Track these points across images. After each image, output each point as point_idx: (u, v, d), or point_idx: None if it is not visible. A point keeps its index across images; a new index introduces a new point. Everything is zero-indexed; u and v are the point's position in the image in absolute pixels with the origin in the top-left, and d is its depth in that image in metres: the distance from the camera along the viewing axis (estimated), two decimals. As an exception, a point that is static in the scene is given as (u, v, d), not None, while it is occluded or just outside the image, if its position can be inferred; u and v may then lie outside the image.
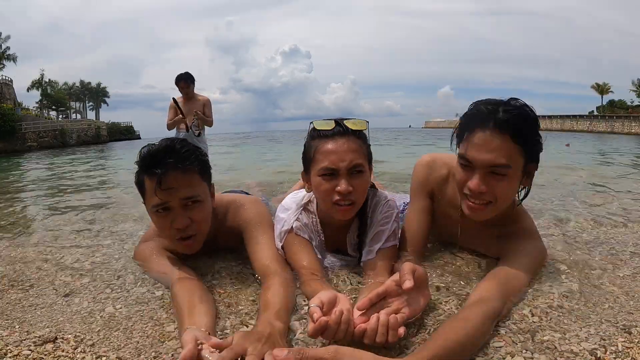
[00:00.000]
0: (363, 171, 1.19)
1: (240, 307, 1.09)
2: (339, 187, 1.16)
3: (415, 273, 0.94)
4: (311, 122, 1.24)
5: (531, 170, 1.17)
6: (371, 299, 0.91)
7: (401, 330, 0.85)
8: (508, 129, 1.06)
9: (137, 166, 1.21)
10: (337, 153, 1.16)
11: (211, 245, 1.38)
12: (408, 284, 0.90)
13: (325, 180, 1.18)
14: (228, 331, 0.97)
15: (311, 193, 1.31)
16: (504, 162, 1.08)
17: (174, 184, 1.15)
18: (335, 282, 1.25)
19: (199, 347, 0.76)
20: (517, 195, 1.23)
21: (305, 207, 1.34)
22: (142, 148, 1.22)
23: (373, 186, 1.36)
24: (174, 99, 4.51)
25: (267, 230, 1.34)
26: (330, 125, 1.20)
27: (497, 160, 1.08)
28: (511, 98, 1.12)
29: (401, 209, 1.92)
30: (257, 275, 1.25)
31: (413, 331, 0.94)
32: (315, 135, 1.22)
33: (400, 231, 1.38)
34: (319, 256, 1.31)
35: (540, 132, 1.13)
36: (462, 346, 0.82)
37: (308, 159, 1.23)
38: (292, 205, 1.34)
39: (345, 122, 1.20)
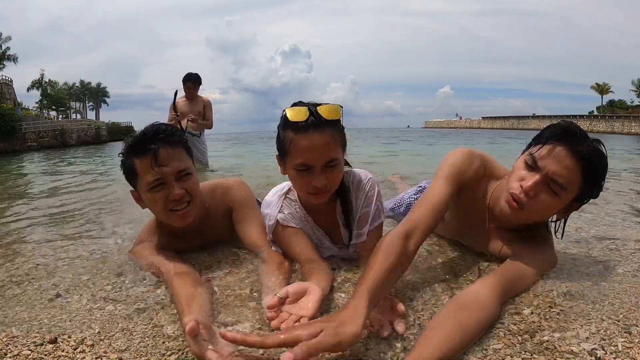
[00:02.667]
0: (337, 164, 1.18)
1: (236, 301, 1.09)
2: (314, 183, 1.16)
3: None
4: (284, 110, 1.19)
5: (572, 207, 1.21)
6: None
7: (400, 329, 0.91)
8: (585, 161, 1.12)
9: (123, 154, 1.30)
10: (312, 150, 1.13)
11: (202, 229, 1.43)
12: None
13: (300, 175, 1.18)
14: (229, 326, 0.97)
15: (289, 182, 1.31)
16: (564, 182, 1.13)
17: (167, 159, 1.25)
18: (336, 273, 1.26)
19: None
20: (550, 223, 1.30)
21: (286, 196, 1.35)
22: (126, 137, 1.31)
23: (347, 164, 1.32)
24: (176, 92, 4.43)
25: (255, 210, 1.47)
26: (305, 115, 1.13)
27: (560, 177, 1.12)
28: (596, 139, 1.16)
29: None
30: (249, 250, 1.41)
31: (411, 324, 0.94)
32: (289, 125, 1.16)
33: (383, 209, 1.36)
34: (314, 240, 1.35)
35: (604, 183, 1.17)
36: (453, 352, 0.83)
37: (283, 149, 1.20)
38: (273, 199, 1.36)
39: (318, 109, 1.15)
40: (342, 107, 1.20)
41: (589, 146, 1.13)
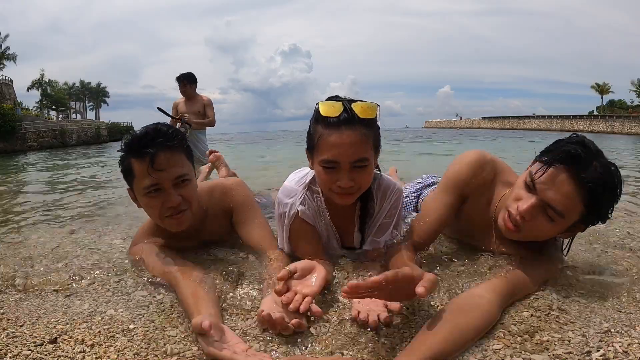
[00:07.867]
0: (367, 165, 1.14)
1: (239, 301, 1.09)
2: (339, 182, 1.13)
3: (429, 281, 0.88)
4: (317, 103, 1.16)
5: (577, 229, 1.15)
6: (359, 286, 0.86)
7: (394, 308, 0.94)
8: (588, 189, 1.03)
9: (122, 152, 1.26)
10: (341, 147, 1.09)
11: (200, 231, 1.41)
12: (421, 290, 0.84)
13: (326, 172, 1.15)
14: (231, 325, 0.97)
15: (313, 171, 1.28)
16: (561, 210, 1.06)
17: (165, 164, 1.21)
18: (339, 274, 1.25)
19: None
20: (556, 240, 1.26)
21: (309, 187, 1.31)
22: (126, 134, 1.27)
23: (377, 168, 1.30)
24: (158, 107, 4.47)
25: (256, 211, 1.44)
26: (338, 111, 1.10)
27: (557, 205, 1.06)
28: (612, 163, 1.07)
29: (415, 194, 1.89)
30: (251, 253, 1.39)
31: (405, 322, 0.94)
32: (320, 120, 1.13)
33: (402, 222, 1.37)
34: (324, 238, 1.34)
35: (614, 206, 1.08)
36: (447, 354, 0.84)
37: (312, 143, 1.18)
38: (295, 188, 1.31)
39: (353, 106, 1.11)
40: (378, 105, 1.15)
41: (595, 171, 1.02)
